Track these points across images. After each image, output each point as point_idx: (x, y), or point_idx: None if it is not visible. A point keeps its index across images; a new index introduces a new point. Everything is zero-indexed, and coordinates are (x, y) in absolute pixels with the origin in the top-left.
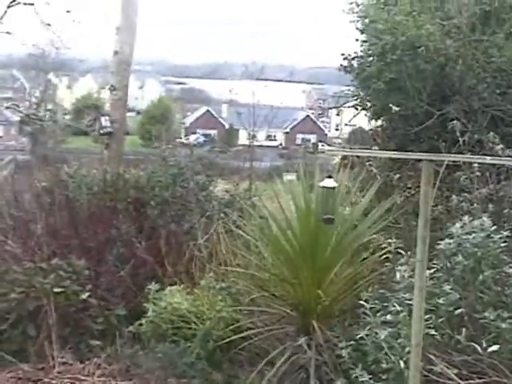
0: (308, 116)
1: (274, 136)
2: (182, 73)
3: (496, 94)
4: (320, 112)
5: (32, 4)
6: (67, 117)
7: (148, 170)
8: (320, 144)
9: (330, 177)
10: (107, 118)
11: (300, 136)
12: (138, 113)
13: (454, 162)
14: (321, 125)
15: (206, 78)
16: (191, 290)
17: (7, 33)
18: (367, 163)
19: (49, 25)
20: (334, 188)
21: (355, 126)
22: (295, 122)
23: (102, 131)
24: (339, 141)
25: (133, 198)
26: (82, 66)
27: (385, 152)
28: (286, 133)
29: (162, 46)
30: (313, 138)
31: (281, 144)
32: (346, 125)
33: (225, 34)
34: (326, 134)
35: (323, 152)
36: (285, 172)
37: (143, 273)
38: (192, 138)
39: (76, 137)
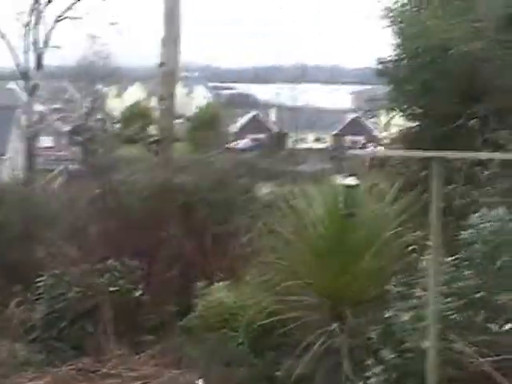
0: (357, 117)
1: (324, 138)
2: (228, 78)
3: None
4: (368, 113)
5: (79, 18)
6: (117, 125)
7: (195, 175)
8: (370, 145)
9: (351, 175)
10: (155, 126)
11: (349, 138)
12: (188, 119)
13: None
14: (370, 125)
15: (253, 82)
16: (236, 285)
17: (56, 47)
18: (396, 162)
19: (95, 37)
20: (355, 186)
21: (403, 125)
22: (344, 124)
23: (150, 139)
24: (387, 141)
25: (181, 202)
26: (130, 75)
27: (396, 151)
28: (336, 135)
29: (206, 51)
30: (362, 139)
31: (330, 146)
32: (395, 125)
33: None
34: (376, 135)
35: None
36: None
37: (192, 271)
38: (241, 143)
39: (126, 145)
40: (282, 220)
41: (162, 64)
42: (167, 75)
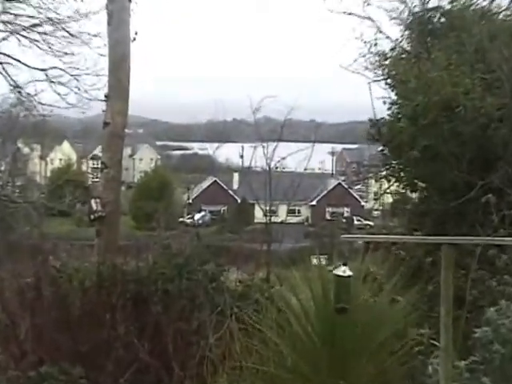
0: (339, 184)
1: (298, 211)
2: (181, 135)
3: None
4: (354, 179)
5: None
6: (42, 195)
7: (149, 261)
8: (355, 218)
9: (345, 264)
10: (98, 200)
11: (330, 209)
12: (129, 187)
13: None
14: (355, 194)
15: (212, 140)
16: None
17: None
18: (394, 246)
19: (20, 87)
20: (349, 277)
21: (397, 194)
22: (324, 192)
23: (92, 216)
24: (378, 214)
25: (132, 293)
26: (58, 131)
27: (398, 237)
28: (313, 205)
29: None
30: (346, 211)
31: (307, 220)
32: (385, 192)
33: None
34: (363, 206)
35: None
36: (312, 255)
37: (147, 379)
38: (197, 216)
39: (53, 218)
40: (259, 315)
41: (106, 124)
42: (113, 138)
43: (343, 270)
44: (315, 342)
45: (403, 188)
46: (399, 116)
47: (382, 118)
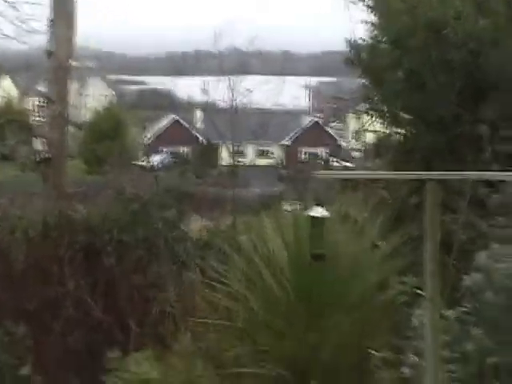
0: (315, 122)
1: (270, 152)
2: (137, 69)
3: None
4: (332, 116)
5: None
6: None
7: (101, 208)
8: (333, 159)
9: (318, 204)
10: (43, 140)
11: (305, 150)
12: (79, 127)
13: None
14: (333, 133)
15: (171, 74)
16: (162, 356)
17: None
18: (375, 185)
19: None
20: (324, 218)
21: (380, 131)
22: (297, 132)
23: (37, 158)
24: (359, 154)
25: (82, 244)
26: None
27: (377, 173)
28: (287, 146)
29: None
30: (323, 151)
31: (280, 162)
32: (365, 129)
33: None
34: (342, 146)
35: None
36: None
37: (100, 338)
38: (155, 159)
39: None
40: (225, 266)
41: (49, 54)
42: (57, 70)
43: (319, 211)
44: (289, 294)
45: (386, 124)
46: (381, 39)
47: (364, 40)
